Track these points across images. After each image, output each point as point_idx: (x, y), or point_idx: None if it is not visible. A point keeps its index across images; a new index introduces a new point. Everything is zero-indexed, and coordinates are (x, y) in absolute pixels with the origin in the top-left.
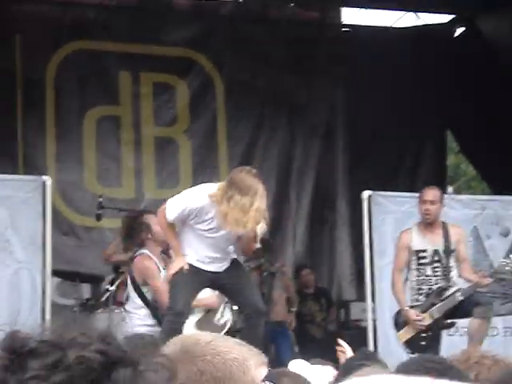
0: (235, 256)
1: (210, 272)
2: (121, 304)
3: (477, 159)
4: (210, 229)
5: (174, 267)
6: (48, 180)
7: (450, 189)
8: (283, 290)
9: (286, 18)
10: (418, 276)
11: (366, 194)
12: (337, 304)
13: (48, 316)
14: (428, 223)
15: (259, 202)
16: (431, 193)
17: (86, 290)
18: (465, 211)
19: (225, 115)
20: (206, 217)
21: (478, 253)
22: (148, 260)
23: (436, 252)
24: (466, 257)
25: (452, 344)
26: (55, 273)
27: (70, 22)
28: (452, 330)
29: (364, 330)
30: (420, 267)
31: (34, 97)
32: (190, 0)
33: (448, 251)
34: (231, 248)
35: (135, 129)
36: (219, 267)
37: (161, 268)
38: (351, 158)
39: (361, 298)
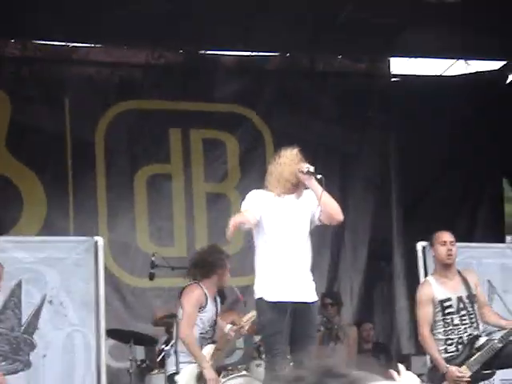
0: None
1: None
2: None
3: None
4: None
5: None
6: (100, 240)
7: (508, 238)
8: (346, 346)
9: (334, 70)
10: (446, 326)
11: (420, 245)
12: (396, 359)
13: (104, 378)
14: (446, 270)
15: (290, 153)
16: (448, 234)
17: (139, 352)
18: None
19: None
20: None
21: None
22: (198, 289)
23: (460, 299)
24: (486, 301)
25: None
26: (109, 334)
27: (118, 82)
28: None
29: None
30: (446, 317)
31: (84, 158)
32: (237, 56)
33: (471, 297)
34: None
35: (186, 186)
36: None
37: (209, 302)
38: (406, 210)
39: (420, 352)
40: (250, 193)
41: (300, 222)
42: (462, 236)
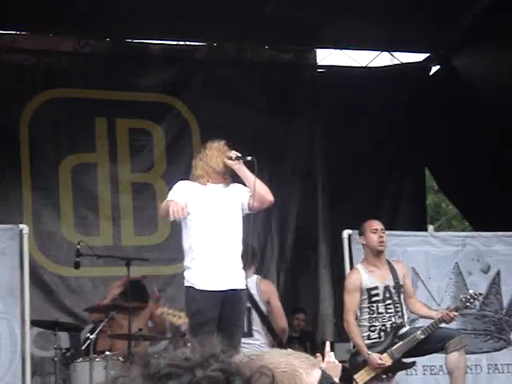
0: None
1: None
2: (101, 353)
3: (456, 197)
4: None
5: None
6: (25, 228)
7: (430, 228)
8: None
9: (261, 60)
10: (370, 313)
11: (345, 233)
12: (322, 346)
13: (28, 367)
14: (376, 258)
15: (217, 144)
16: (378, 222)
17: (64, 341)
18: (445, 248)
19: None
20: None
21: (459, 289)
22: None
23: (387, 288)
24: (414, 291)
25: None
26: (33, 323)
27: (44, 70)
28: (435, 369)
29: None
30: (372, 305)
31: (9, 147)
32: (165, 45)
33: (398, 287)
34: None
35: (112, 175)
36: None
37: None
38: (331, 198)
39: (343, 339)
40: (177, 183)
41: (228, 209)
42: (386, 225)
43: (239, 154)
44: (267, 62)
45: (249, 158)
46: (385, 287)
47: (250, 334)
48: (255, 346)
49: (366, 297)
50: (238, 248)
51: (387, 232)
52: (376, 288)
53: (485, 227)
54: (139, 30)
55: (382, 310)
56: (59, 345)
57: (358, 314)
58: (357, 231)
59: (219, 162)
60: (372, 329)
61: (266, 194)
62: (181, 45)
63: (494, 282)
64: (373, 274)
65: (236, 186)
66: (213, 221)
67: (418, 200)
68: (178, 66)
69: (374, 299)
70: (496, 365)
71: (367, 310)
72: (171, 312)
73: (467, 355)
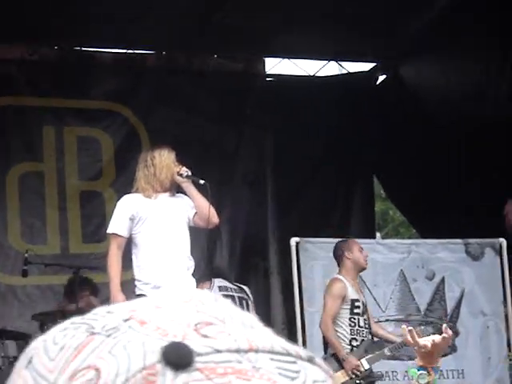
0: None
1: None
2: None
3: (403, 205)
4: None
5: None
6: None
7: (378, 235)
8: None
9: (211, 69)
10: (352, 326)
11: (293, 240)
12: None
13: None
14: (356, 274)
15: (168, 155)
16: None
17: (12, 349)
18: (391, 255)
19: None
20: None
21: (404, 296)
22: None
23: (363, 304)
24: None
25: None
26: None
27: None
28: None
29: None
30: (353, 317)
31: None
32: (114, 53)
33: (366, 305)
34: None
35: (59, 184)
36: None
37: None
38: (280, 206)
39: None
40: (120, 201)
41: (175, 221)
42: (336, 232)
43: (190, 173)
44: (217, 71)
45: (201, 182)
46: (362, 302)
47: None
48: None
49: (348, 307)
50: (186, 258)
51: (333, 240)
52: (358, 301)
53: (431, 234)
54: (88, 38)
55: (362, 323)
56: (7, 353)
57: (339, 323)
58: (305, 239)
59: (168, 177)
60: (353, 343)
61: (212, 217)
62: (130, 53)
63: (439, 288)
64: (353, 287)
65: (182, 197)
66: (160, 234)
67: (366, 208)
68: (127, 74)
69: (355, 311)
70: (441, 370)
71: (348, 321)
72: None
73: (411, 361)
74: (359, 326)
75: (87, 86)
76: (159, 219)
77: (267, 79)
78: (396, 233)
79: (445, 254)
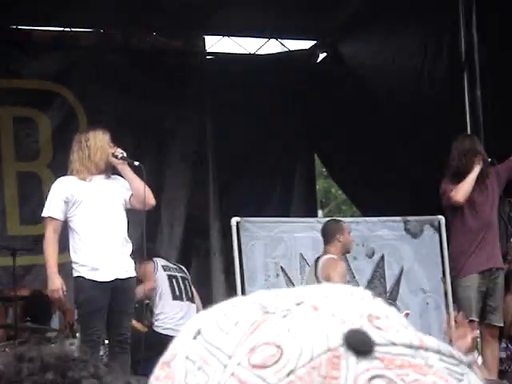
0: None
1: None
2: None
3: (344, 183)
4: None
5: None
6: None
7: (320, 213)
8: None
9: (149, 47)
10: None
11: (234, 220)
12: None
13: None
14: (342, 257)
15: (102, 137)
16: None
17: None
18: None
19: None
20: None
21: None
22: None
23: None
24: None
25: None
26: None
27: None
28: None
29: None
30: None
31: None
32: (50, 31)
33: None
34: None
35: None
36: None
37: None
38: (222, 185)
39: None
40: (54, 184)
41: (111, 203)
42: (278, 211)
43: (125, 154)
44: (156, 49)
45: (136, 164)
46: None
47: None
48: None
49: None
50: (124, 240)
51: (275, 219)
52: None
53: (372, 212)
54: (24, 16)
55: None
56: None
57: None
58: (246, 218)
59: (103, 159)
60: None
61: (148, 198)
62: (67, 31)
63: (378, 266)
64: None
65: (117, 179)
66: (96, 216)
67: (308, 186)
68: (65, 53)
69: None
70: None
71: None
72: None
73: None
74: None
75: (23, 65)
76: (95, 202)
77: (207, 57)
78: (339, 210)
79: (384, 232)
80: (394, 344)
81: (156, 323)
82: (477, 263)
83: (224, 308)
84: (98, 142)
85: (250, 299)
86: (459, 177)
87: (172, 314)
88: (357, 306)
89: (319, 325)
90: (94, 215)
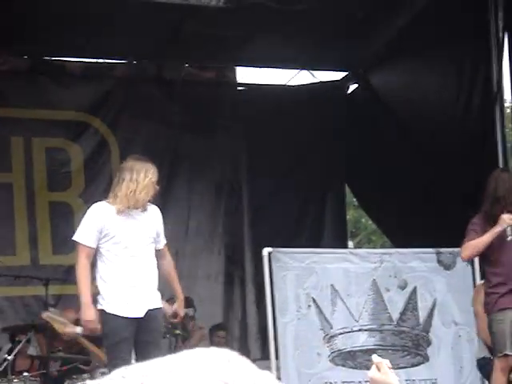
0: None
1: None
2: (20, 373)
3: (374, 213)
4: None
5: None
6: None
7: (350, 243)
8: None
9: (182, 78)
10: None
11: (265, 251)
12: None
13: None
14: None
15: (153, 175)
16: None
17: None
18: (364, 264)
19: None
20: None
21: (377, 306)
22: None
23: None
24: None
25: None
26: None
27: None
28: None
29: None
30: None
31: None
32: (83, 62)
33: None
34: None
35: (29, 195)
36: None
37: None
38: (253, 214)
39: (266, 356)
40: (90, 210)
41: (145, 235)
42: (308, 241)
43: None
44: (188, 80)
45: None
46: None
47: None
48: None
49: None
50: (154, 270)
51: (307, 250)
52: None
53: (403, 243)
54: (57, 48)
55: None
56: None
57: None
58: (277, 249)
59: (147, 198)
60: None
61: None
62: (100, 62)
63: (411, 298)
64: None
65: (153, 210)
66: (130, 247)
67: (338, 216)
68: (97, 84)
69: None
70: (414, 380)
71: None
72: (55, 318)
73: None
74: None
75: (56, 96)
76: (127, 238)
77: (238, 88)
78: (368, 241)
79: (417, 264)
80: None
81: None
82: (509, 301)
83: None
84: (148, 179)
85: None
86: (489, 218)
87: None
88: (200, 380)
89: None
90: (126, 252)
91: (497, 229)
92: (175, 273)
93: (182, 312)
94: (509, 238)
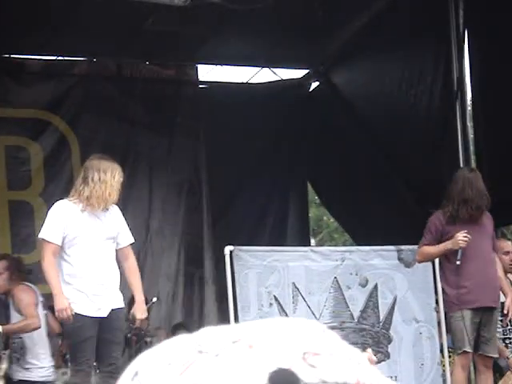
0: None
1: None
2: None
3: (336, 211)
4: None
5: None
6: None
7: (312, 241)
8: None
9: (142, 76)
10: (503, 327)
11: (227, 249)
12: None
13: None
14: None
15: (119, 175)
16: (508, 244)
17: None
18: (325, 263)
19: None
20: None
21: (338, 304)
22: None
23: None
24: None
25: None
26: None
27: None
28: None
29: None
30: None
31: None
32: (43, 60)
33: None
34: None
35: None
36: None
37: None
38: (215, 213)
39: None
40: (53, 208)
41: (107, 234)
42: (271, 239)
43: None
44: (148, 78)
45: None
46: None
47: None
48: None
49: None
50: (116, 271)
51: (268, 248)
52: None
53: (365, 240)
54: (17, 46)
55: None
56: None
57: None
58: (239, 247)
59: (114, 201)
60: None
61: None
62: (59, 60)
63: (372, 295)
64: None
65: (114, 209)
66: (92, 246)
67: (301, 214)
68: (57, 82)
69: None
70: None
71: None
72: None
73: None
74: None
75: (16, 94)
76: (89, 238)
77: (200, 86)
78: (330, 238)
79: (378, 261)
80: (324, 382)
81: None
82: (468, 301)
83: (162, 348)
84: (115, 180)
85: (190, 338)
86: (454, 219)
87: None
88: (296, 342)
89: (249, 364)
90: (88, 250)
91: (448, 246)
92: (137, 275)
93: (140, 315)
94: (458, 262)
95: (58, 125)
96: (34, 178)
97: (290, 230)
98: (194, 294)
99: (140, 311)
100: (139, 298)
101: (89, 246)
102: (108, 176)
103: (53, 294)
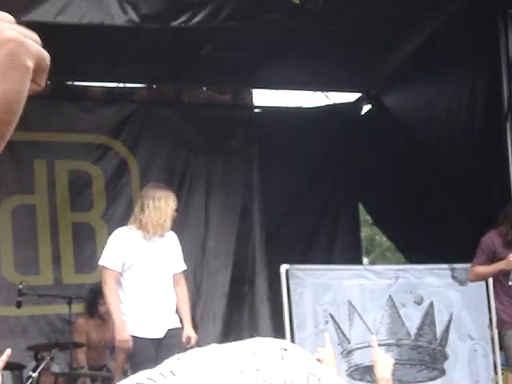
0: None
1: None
2: None
3: (389, 230)
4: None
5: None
6: None
7: (365, 260)
8: None
9: (200, 101)
10: None
11: (283, 267)
12: None
13: None
14: None
15: (173, 203)
16: None
17: (7, 380)
18: (379, 281)
19: None
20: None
21: (394, 321)
22: None
23: None
24: None
25: None
26: None
27: None
28: None
29: None
30: None
31: None
32: (104, 87)
33: None
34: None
35: (51, 216)
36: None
37: None
38: (267, 234)
39: None
40: (113, 235)
41: (165, 260)
42: (322, 258)
43: None
44: (205, 103)
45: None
46: None
47: None
48: None
49: None
50: (172, 295)
51: (324, 266)
52: None
53: (418, 259)
54: (79, 73)
55: None
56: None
57: None
58: (295, 266)
59: (168, 226)
60: None
61: None
62: (120, 87)
63: (428, 312)
64: None
65: (171, 236)
66: (152, 272)
67: (352, 234)
68: (118, 108)
69: None
70: None
71: None
72: None
73: None
74: None
75: (79, 120)
76: (148, 264)
77: (255, 111)
78: (383, 257)
79: (432, 279)
80: None
81: None
82: None
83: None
84: (169, 207)
85: (146, 379)
86: (506, 239)
87: None
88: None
89: None
90: (146, 277)
91: (501, 266)
92: (186, 299)
93: (193, 334)
94: (510, 283)
95: (119, 149)
96: (96, 201)
97: (342, 250)
98: (248, 312)
99: (191, 331)
100: (187, 321)
101: (145, 272)
102: (162, 203)
103: (115, 323)
